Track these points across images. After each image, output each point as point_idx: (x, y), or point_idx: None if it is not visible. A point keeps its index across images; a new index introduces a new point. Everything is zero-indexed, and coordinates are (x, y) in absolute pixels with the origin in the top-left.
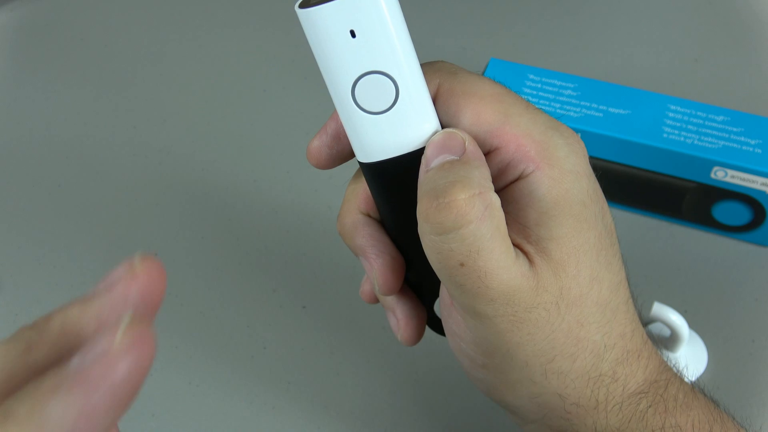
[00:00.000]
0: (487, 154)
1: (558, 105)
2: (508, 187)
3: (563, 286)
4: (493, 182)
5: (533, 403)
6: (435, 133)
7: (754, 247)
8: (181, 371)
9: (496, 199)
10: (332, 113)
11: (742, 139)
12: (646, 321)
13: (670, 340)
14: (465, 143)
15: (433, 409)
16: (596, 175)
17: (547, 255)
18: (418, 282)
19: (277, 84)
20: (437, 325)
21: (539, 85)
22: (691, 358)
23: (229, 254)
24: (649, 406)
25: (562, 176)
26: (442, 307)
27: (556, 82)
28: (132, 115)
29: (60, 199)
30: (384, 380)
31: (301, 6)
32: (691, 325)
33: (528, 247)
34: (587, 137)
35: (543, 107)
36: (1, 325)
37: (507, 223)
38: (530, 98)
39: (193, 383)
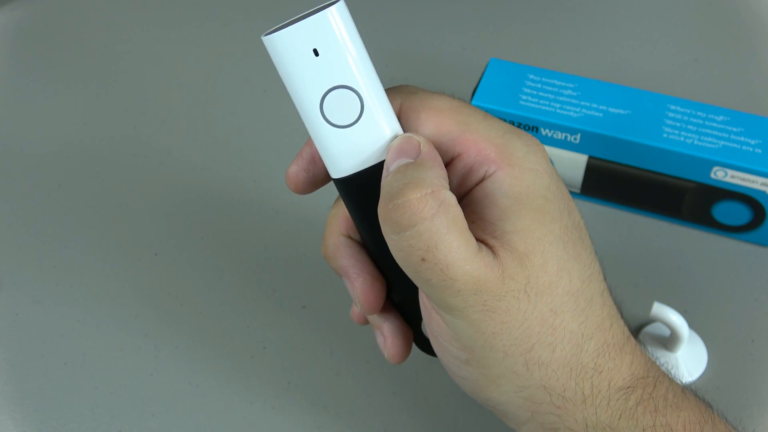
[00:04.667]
0: (451, 160)
1: (558, 105)
2: (473, 189)
3: (530, 275)
4: (459, 186)
5: (520, 398)
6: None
7: (754, 247)
8: (181, 371)
9: (450, 197)
10: (307, 139)
11: (742, 139)
12: (646, 321)
13: (670, 340)
14: (420, 146)
15: (433, 409)
16: (599, 176)
17: (512, 247)
18: (403, 302)
19: (277, 84)
20: (425, 345)
21: (539, 85)
22: (691, 358)
23: (229, 254)
24: (638, 404)
25: (523, 174)
26: (422, 309)
27: (556, 82)
28: (132, 115)
29: (60, 199)
30: (384, 380)
31: (266, 34)
32: (691, 325)
33: (492, 242)
34: (587, 137)
35: (543, 107)
36: (1, 325)
37: (473, 222)
38: (530, 98)
39: (193, 383)
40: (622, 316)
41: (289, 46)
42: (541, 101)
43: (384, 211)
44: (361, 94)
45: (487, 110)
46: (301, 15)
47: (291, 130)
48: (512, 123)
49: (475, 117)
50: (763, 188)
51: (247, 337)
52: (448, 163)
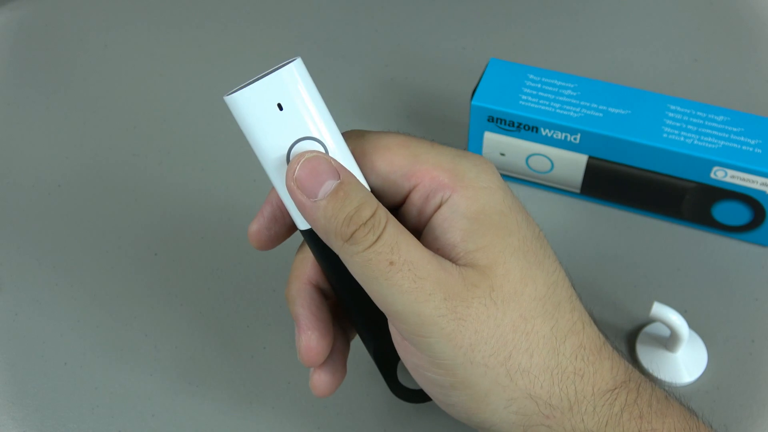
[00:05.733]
0: (408, 193)
1: (558, 105)
2: (431, 216)
3: (493, 284)
4: (418, 216)
5: (511, 414)
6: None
7: (754, 247)
8: (181, 371)
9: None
10: (267, 196)
11: (742, 139)
12: (646, 321)
13: (670, 340)
14: (331, 163)
15: (433, 409)
16: (599, 176)
17: (473, 263)
18: (379, 351)
19: None
20: (404, 393)
21: (539, 85)
22: (691, 358)
23: (229, 254)
24: (623, 410)
25: (476, 193)
26: (397, 347)
27: (556, 82)
28: (132, 115)
29: (60, 199)
30: (384, 380)
31: (228, 95)
32: (691, 325)
33: (456, 262)
34: (587, 137)
35: (543, 107)
36: (1, 325)
37: (437, 249)
38: (530, 98)
39: (193, 383)
40: (596, 322)
41: (255, 103)
42: (541, 101)
43: (344, 237)
44: (326, 144)
45: (487, 110)
46: (255, 78)
47: None
48: (512, 123)
49: (423, 147)
50: (763, 188)
51: (247, 337)
52: (405, 196)
